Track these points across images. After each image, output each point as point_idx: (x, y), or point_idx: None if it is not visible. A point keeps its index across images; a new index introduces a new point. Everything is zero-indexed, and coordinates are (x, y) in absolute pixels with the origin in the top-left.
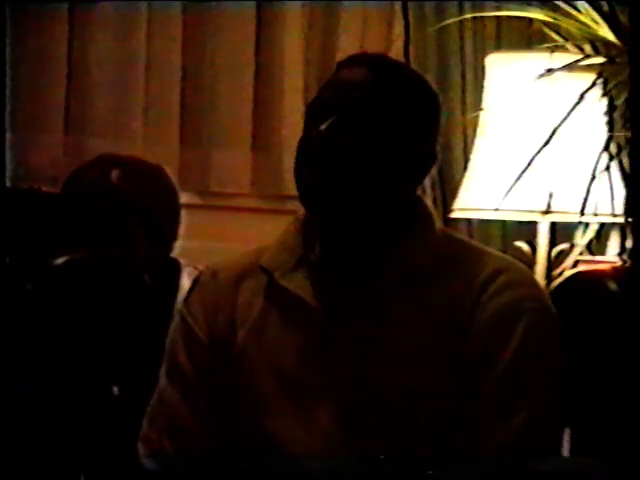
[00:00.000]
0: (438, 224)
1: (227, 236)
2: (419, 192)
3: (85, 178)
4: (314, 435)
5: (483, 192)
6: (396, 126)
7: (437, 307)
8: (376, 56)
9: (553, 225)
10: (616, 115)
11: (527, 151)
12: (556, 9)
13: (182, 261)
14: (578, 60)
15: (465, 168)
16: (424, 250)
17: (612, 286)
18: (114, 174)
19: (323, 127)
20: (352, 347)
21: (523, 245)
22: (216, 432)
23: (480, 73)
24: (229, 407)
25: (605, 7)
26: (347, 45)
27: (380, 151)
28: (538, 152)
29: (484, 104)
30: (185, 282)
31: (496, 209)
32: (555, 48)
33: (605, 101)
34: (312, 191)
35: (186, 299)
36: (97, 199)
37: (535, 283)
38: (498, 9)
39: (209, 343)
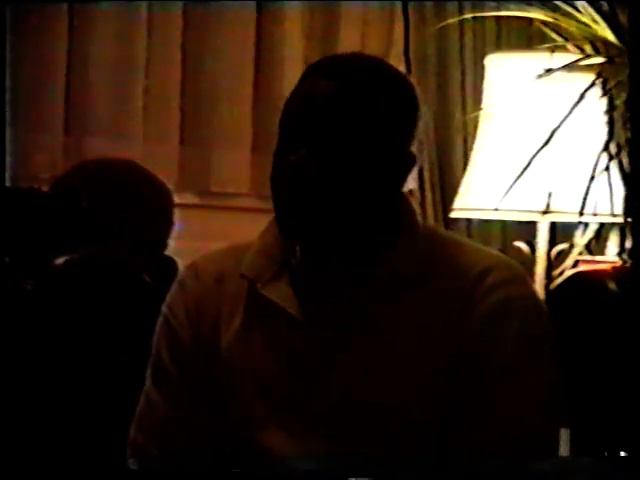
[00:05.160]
0: (421, 222)
1: (227, 236)
2: (418, 192)
3: (67, 208)
4: (300, 445)
5: (483, 192)
6: (369, 139)
7: (424, 310)
8: (347, 61)
9: (553, 225)
10: (616, 115)
11: (527, 151)
12: (556, 9)
13: (178, 260)
14: (578, 60)
15: (465, 168)
16: (407, 252)
17: (612, 286)
18: (92, 206)
19: (294, 157)
20: (337, 356)
21: (523, 245)
22: (202, 435)
23: (480, 73)
24: (214, 412)
25: (605, 7)
26: (347, 45)
27: (356, 170)
28: (538, 152)
29: (484, 104)
30: None
31: (496, 209)
32: (555, 48)
33: (605, 101)
34: (291, 217)
35: (169, 300)
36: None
37: (524, 280)
38: (498, 9)
39: (192, 345)
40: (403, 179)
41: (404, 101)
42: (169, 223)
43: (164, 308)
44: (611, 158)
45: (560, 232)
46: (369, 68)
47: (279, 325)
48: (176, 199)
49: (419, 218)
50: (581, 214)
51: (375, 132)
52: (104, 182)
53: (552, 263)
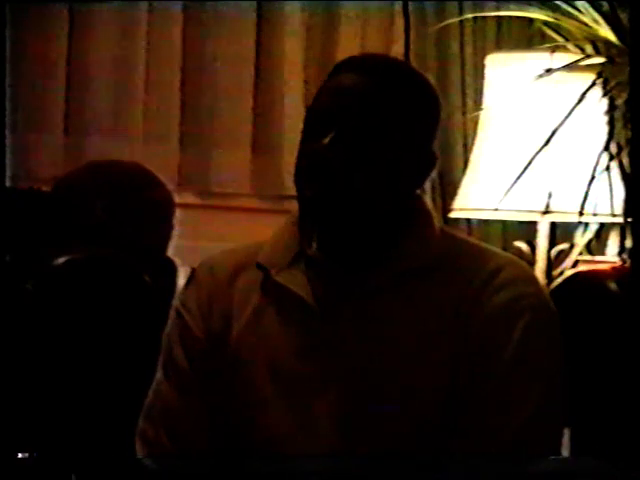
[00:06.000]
0: (437, 222)
1: (227, 236)
2: (418, 191)
3: (73, 207)
4: (309, 432)
5: (483, 192)
6: (396, 134)
7: (436, 304)
8: (375, 59)
9: (553, 225)
10: (616, 115)
11: (527, 151)
12: (556, 9)
13: (177, 261)
14: (578, 60)
15: (465, 168)
16: (423, 247)
17: (612, 286)
18: (99, 207)
19: (322, 143)
20: (349, 344)
21: (523, 245)
22: (213, 427)
23: (480, 73)
24: (225, 402)
25: (605, 7)
26: (347, 45)
27: (381, 162)
28: (538, 152)
29: (484, 104)
30: (182, 282)
31: (496, 209)
32: (555, 48)
33: (605, 101)
34: (314, 206)
35: (182, 294)
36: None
37: (535, 280)
38: (498, 9)
39: (205, 338)
40: (425, 176)
41: (430, 103)
42: (170, 226)
43: (177, 302)
44: (611, 158)
45: (560, 232)
46: (399, 68)
47: (292, 312)
48: (176, 199)
49: (435, 217)
50: (581, 214)
51: (401, 127)
52: (108, 184)
53: (552, 263)
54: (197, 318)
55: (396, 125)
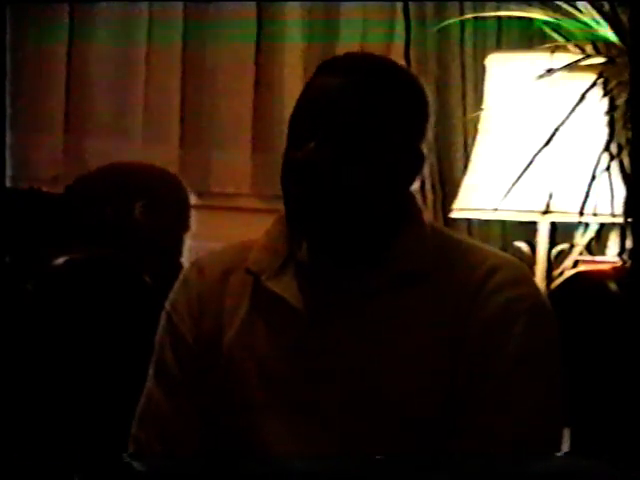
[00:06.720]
0: (428, 221)
1: (227, 236)
2: (418, 192)
3: (105, 207)
4: (302, 437)
5: (483, 192)
6: (381, 134)
7: (429, 307)
8: (358, 59)
9: (553, 225)
10: (617, 115)
11: (527, 151)
12: (557, 9)
13: (182, 262)
14: (579, 60)
15: (465, 168)
16: (419, 247)
17: (612, 286)
18: (138, 208)
19: (308, 148)
20: (341, 350)
21: (523, 245)
22: (204, 429)
23: (480, 73)
24: (216, 405)
25: (606, 7)
26: (347, 45)
27: (367, 165)
28: (538, 152)
29: (484, 104)
30: None
31: (496, 209)
32: (556, 48)
33: (605, 101)
34: (300, 208)
35: (172, 297)
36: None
37: (531, 280)
38: (498, 9)
39: (195, 342)
40: (413, 177)
41: (415, 100)
42: (187, 228)
43: (167, 305)
44: (612, 158)
45: (560, 232)
46: (381, 66)
47: (282, 317)
48: None
49: (426, 217)
50: (581, 214)
51: (386, 129)
52: (127, 187)
53: (552, 263)
54: (187, 321)
55: (380, 125)
